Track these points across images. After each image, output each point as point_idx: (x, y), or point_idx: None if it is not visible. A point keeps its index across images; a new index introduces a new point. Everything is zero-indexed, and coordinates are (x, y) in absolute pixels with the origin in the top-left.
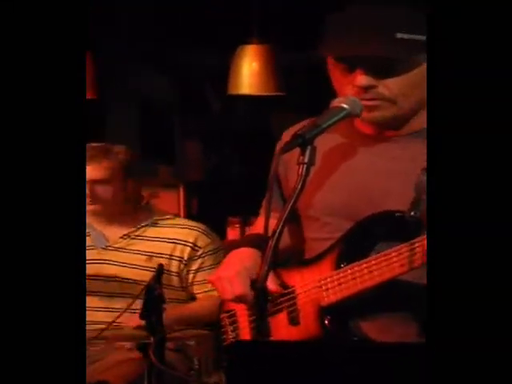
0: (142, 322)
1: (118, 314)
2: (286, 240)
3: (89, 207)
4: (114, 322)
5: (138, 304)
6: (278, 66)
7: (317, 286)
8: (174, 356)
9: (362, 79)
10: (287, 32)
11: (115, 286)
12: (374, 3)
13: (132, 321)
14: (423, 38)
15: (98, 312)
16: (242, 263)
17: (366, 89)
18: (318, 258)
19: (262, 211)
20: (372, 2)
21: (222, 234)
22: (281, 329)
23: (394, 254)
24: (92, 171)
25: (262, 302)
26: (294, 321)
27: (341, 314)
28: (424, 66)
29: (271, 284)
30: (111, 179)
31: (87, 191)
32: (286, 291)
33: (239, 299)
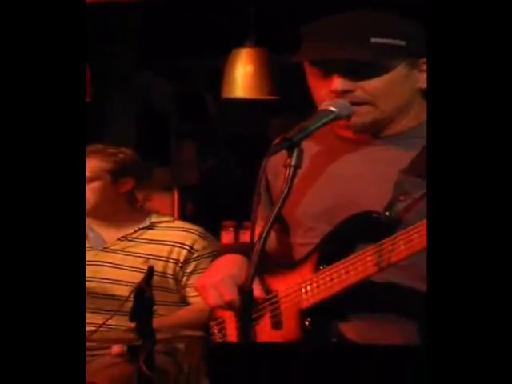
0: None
1: (109, 316)
2: (275, 246)
3: None
4: (103, 324)
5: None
6: (273, 69)
7: (297, 290)
8: (163, 359)
9: (337, 83)
10: (284, 34)
11: (111, 288)
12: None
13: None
14: (400, 42)
15: (89, 313)
16: (227, 269)
17: (343, 93)
18: (300, 262)
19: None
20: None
21: (216, 238)
22: (265, 333)
23: (368, 254)
24: None
25: (248, 307)
26: (277, 325)
27: (321, 316)
28: (400, 68)
29: (255, 290)
30: (94, 178)
31: None
32: (268, 296)
33: (227, 306)
